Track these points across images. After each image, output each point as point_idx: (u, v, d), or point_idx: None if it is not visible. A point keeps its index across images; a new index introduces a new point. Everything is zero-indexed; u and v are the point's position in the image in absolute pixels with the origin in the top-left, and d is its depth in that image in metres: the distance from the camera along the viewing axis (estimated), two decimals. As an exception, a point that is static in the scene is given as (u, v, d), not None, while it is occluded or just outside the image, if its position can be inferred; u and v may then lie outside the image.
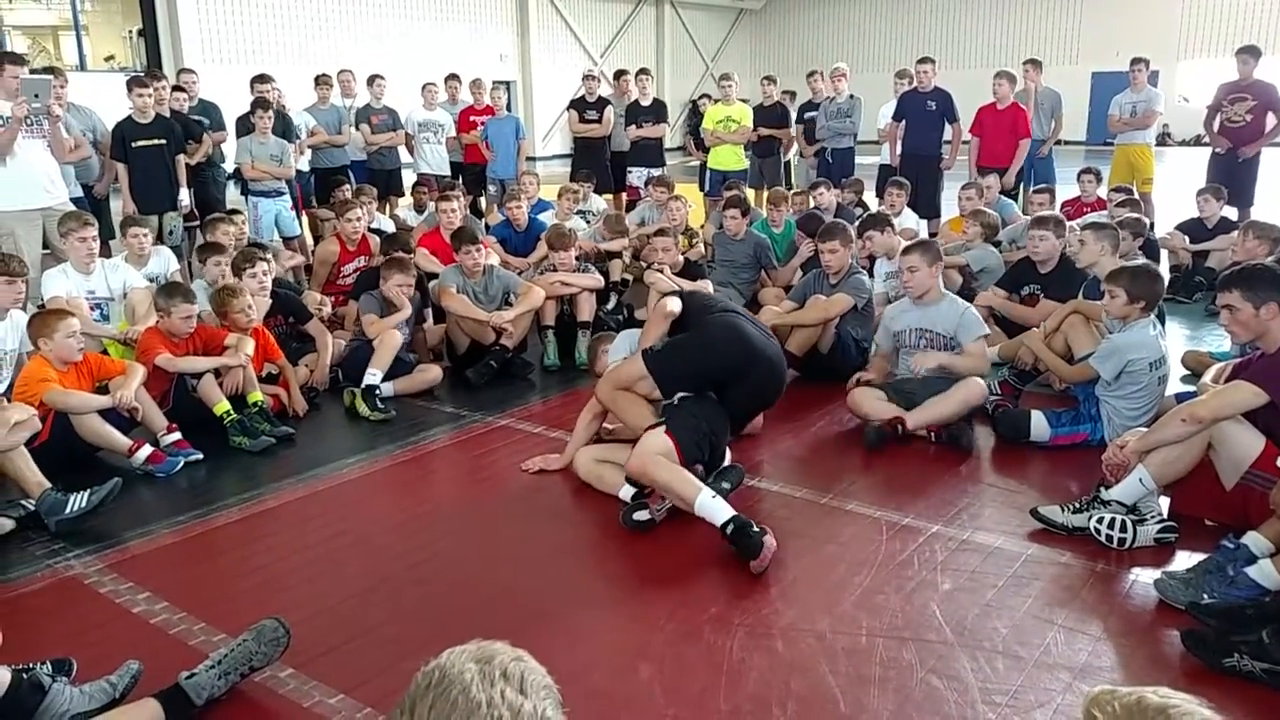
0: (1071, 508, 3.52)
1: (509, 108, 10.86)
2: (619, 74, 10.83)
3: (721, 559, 3.36)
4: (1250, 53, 8.54)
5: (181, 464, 4.34)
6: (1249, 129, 8.51)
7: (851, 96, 9.83)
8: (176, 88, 8.32)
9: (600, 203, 9.40)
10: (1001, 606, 3.03)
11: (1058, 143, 9.86)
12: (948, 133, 9.14)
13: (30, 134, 6.02)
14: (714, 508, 3.41)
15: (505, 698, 1.12)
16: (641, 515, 3.59)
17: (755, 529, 3.29)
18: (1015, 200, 8.83)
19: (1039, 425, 4.40)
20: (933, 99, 8.99)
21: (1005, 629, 2.90)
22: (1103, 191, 8.66)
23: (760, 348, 4.03)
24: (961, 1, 27.53)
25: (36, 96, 5.88)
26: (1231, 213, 8.13)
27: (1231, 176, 8.45)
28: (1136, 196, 8.18)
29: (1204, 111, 9.06)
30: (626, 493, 3.74)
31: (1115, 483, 3.47)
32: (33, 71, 7.24)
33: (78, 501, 3.68)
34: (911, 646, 2.81)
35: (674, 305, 4.15)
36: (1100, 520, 3.39)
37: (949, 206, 8.93)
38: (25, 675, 2.39)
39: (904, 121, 9.24)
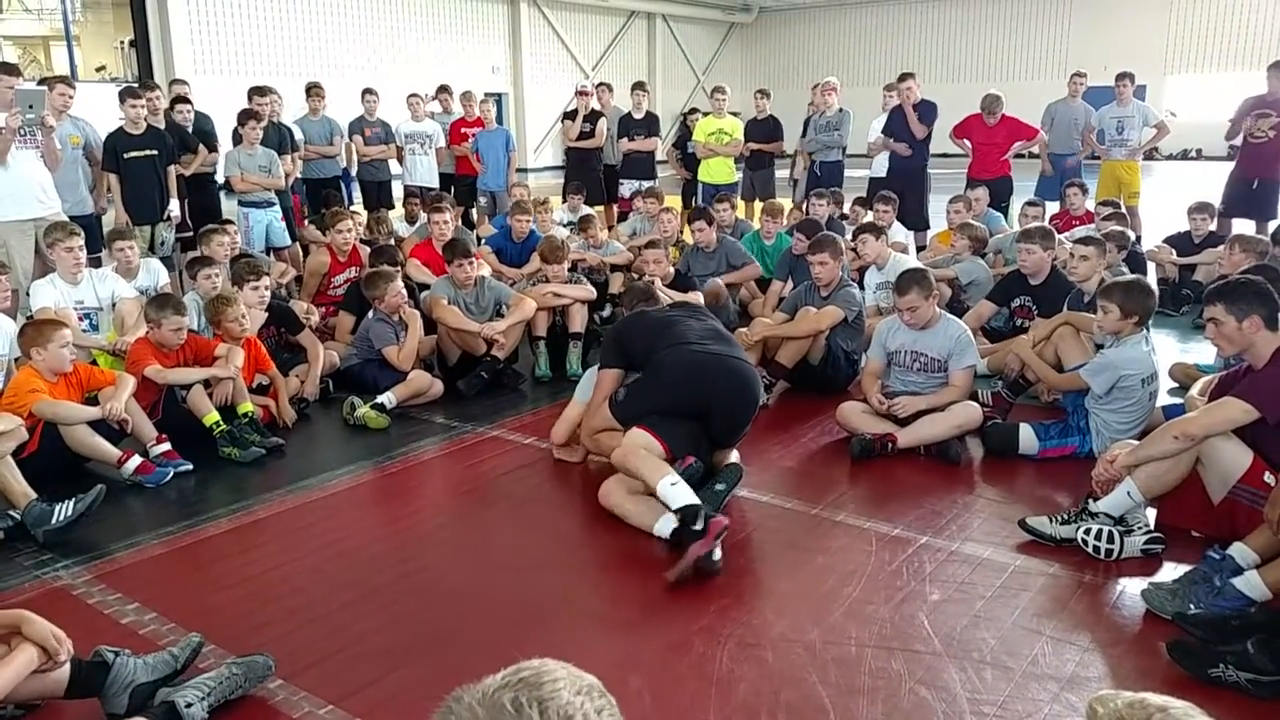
0: (1059, 519, 3.54)
1: (500, 120, 10.90)
2: (599, 85, 10.90)
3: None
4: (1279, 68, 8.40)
5: (171, 474, 4.33)
6: (1272, 144, 8.36)
7: (841, 110, 9.88)
8: (181, 99, 8.35)
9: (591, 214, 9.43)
10: (990, 617, 3.05)
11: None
12: (937, 146, 9.18)
13: (24, 144, 6.02)
14: (673, 494, 3.44)
15: None
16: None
17: (700, 525, 3.28)
18: (1005, 214, 8.89)
19: (1027, 439, 4.42)
20: (916, 112, 9.04)
21: (993, 639, 2.92)
22: (1091, 205, 8.73)
23: (717, 378, 3.94)
24: (951, 16, 27.72)
25: (30, 107, 5.89)
26: (1249, 226, 8.21)
27: (1252, 194, 8.44)
28: (1123, 210, 8.27)
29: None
30: (664, 528, 3.53)
31: (1103, 495, 3.50)
32: (41, 82, 7.27)
33: (63, 511, 3.67)
34: (900, 657, 2.82)
35: (610, 377, 4.22)
36: (1088, 531, 3.41)
37: (937, 220, 8.99)
38: (82, 663, 2.51)
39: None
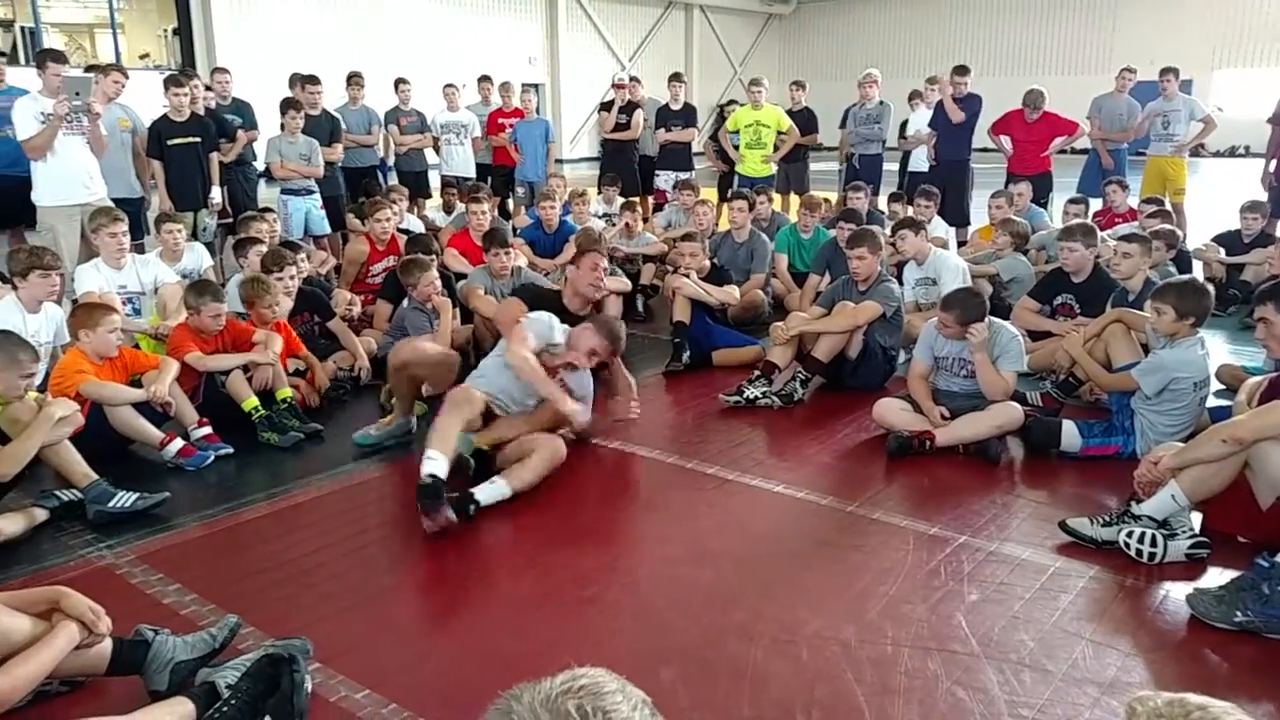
0: (1101, 520, 3.48)
1: (537, 110, 10.92)
2: (633, 79, 10.89)
3: (748, 565, 3.36)
4: None
5: (211, 458, 4.39)
6: None
7: (881, 103, 9.78)
8: (208, 86, 8.44)
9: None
10: (1029, 619, 3.01)
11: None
12: (977, 141, 9.06)
13: (70, 131, 6.12)
14: (427, 461, 3.66)
15: None
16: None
17: (432, 498, 3.48)
18: (1046, 209, 8.76)
19: (1070, 435, 4.35)
20: (960, 106, 8.92)
21: (1032, 641, 2.88)
22: (1134, 202, 8.57)
23: None
24: (994, 8, 27.35)
25: (77, 94, 5.98)
26: None
27: None
28: (1168, 207, 8.12)
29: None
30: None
31: (1146, 498, 3.44)
32: (89, 69, 7.38)
33: (124, 500, 3.75)
34: (937, 657, 2.80)
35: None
36: (1130, 534, 3.35)
37: (978, 215, 8.88)
38: (123, 641, 2.56)
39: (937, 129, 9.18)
